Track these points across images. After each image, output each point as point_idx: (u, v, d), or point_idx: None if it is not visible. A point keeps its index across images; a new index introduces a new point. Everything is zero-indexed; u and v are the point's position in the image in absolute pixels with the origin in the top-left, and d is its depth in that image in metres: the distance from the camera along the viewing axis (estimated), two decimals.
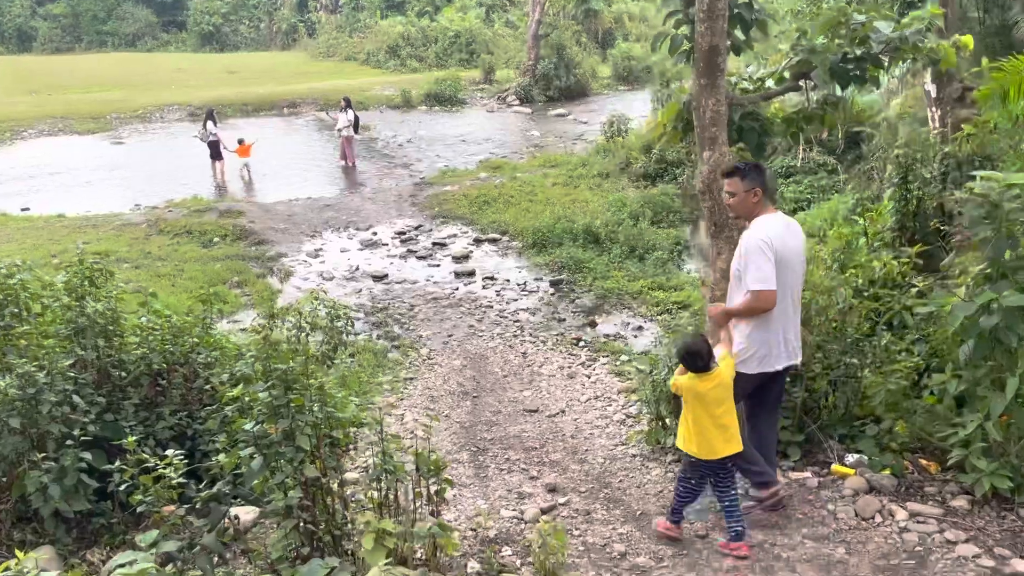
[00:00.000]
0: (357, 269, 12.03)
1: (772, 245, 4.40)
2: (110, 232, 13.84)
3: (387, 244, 13.24)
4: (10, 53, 61.84)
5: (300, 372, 4.15)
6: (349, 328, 8.28)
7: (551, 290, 10.88)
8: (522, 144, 23.23)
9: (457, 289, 11.03)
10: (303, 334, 7.94)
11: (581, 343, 9.08)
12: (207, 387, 5.56)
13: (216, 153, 19.56)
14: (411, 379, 8.21)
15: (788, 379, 4.98)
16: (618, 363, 8.40)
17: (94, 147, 24.76)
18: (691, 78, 4.85)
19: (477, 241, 13.18)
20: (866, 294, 5.65)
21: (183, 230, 13.67)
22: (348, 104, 20.32)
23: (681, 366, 4.49)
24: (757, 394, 4.76)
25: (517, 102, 31.62)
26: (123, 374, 5.43)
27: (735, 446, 4.42)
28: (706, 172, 4.91)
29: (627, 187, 15.60)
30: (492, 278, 11.44)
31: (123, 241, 13.22)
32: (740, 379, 4.53)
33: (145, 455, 3.83)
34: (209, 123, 19.62)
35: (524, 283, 11.18)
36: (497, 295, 10.77)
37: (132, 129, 27.75)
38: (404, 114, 30.08)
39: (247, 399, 4.04)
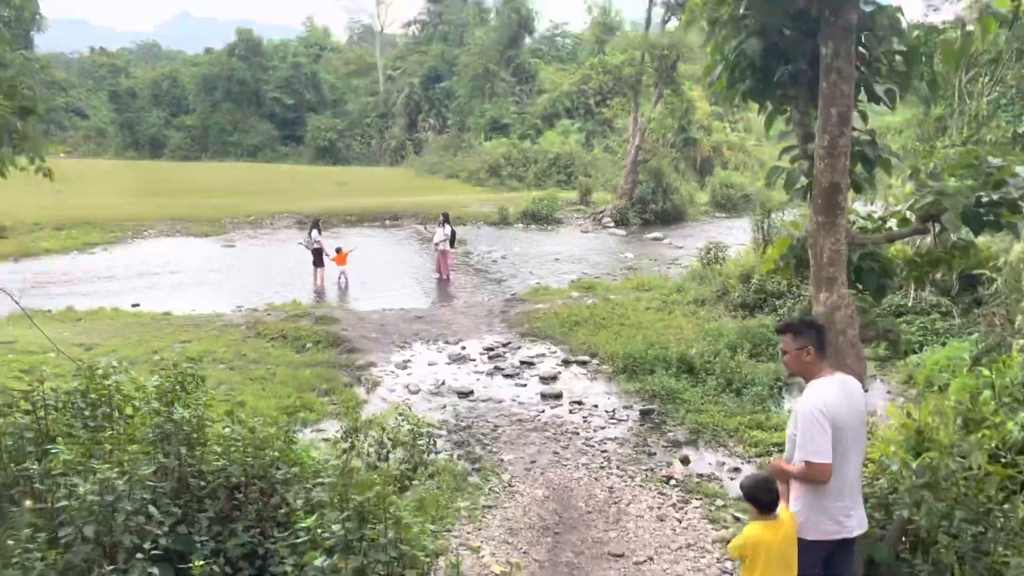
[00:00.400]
0: (443, 384, 11.90)
1: (828, 413, 4.26)
2: (211, 332, 14.23)
3: (475, 360, 13.12)
4: (143, 158, 67.14)
5: (375, 504, 3.91)
6: (431, 447, 8.06)
7: (641, 420, 10.43)
8: (615, 265, 23.17)
9: (543, 411, 10.71)
10: (384, 451, 7.75)
11: (672, 481, 8.54)
12: (283, 506, 5.37)
13: (318, 260, 20.27)
14: (490, 507, 7.84)
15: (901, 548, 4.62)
16: (713, 508, 7.83)
17: (206, 249, 26.08)
18: (809, 215, 4.59)
19: (566, 362, 12.91)
20: (1003, 460, 5.06)
21: (279, 334, 13.94)
22: (446, 219, 20.83)
23: (751, 513, 4.41)
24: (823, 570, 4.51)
25: (612, 224, 31.86)
26: (202, 484, 5.31)
27: None
28: (822, 315, 4.57)
29: (724, 316, 15.17)
30: (579, 402, 11.08)
31: (222, 342, 13.55)
32: (801, 549, 4.38)
33: None
34: (314, 231, 20.41)
35: (613, 410, 10.77)
36: (584, 421, 10.38)
37: (243, 233, 29.19)
38: (500, 231, 30.67)
39: (319, 529, 3.81)
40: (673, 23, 32.05)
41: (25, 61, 8.43)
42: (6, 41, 8.57)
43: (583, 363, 12.87)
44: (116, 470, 4.66)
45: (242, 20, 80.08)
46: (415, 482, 7.52)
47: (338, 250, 20.62)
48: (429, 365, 12.86)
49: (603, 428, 10.16)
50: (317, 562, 3.72)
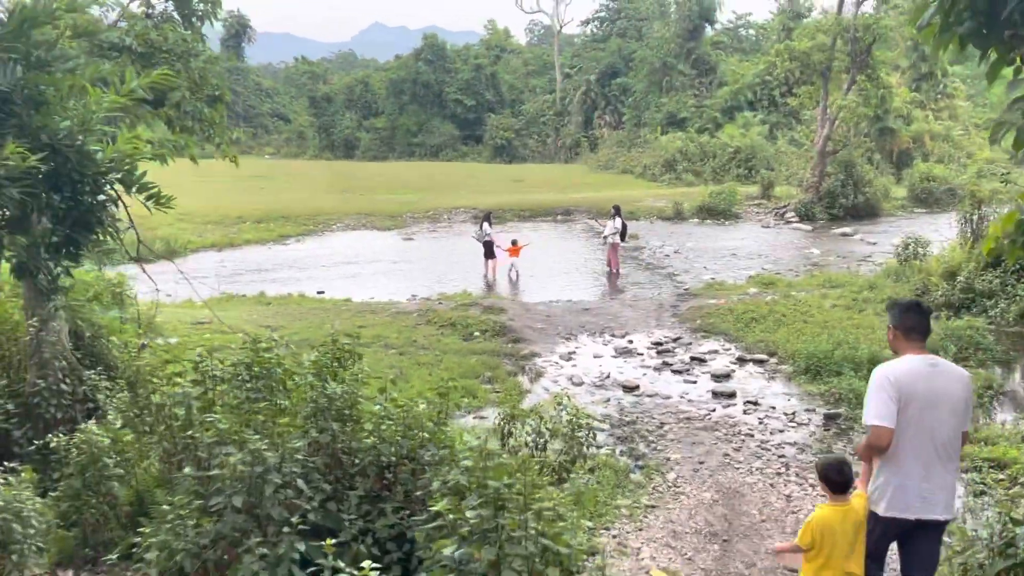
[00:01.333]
0: (608, 377, 11.48)
1: (896, 383, 4.29)
2: (385, 318, 14.63)
3: (642, 354, 12.60)
4: (337, 159, 71.43)
5: (518, 491, 3.60)
6: (591, 440, 7.70)
7: (825, 425, 9.51)
8: (799, 262, 21.72)
9: (714, 410, 10.03)
10: (542, 440, 7.48)
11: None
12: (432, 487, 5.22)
13: (489, 252, 20.43)
14: (653, 507, 7.35)
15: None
16: None
17: (387, 241, 27.15)
18: None
19: (740, 360, 12.10)
20: None
21: (448, 322, 14.09)
22: (617, 212, 20.34)
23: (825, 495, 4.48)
24: (901, 554, 4.52)
25: (796, 219, 30.01)
26: (354, 461, 5.26)
27: None
28: None
29: None
30: (755, 403, 10.29)
31: (394, 328, 13.87)
32: (872, 523, 4.40)
33: (341, 565, 3.45)
34: (485, 224, 20.59)
35: (793, 413, 9.90)
36: (760, 423, 9.61)
37: (422, 227, 30.16)
38: (675, 225, 29.75)
39: (452, 516, 3.55)
40: (869, 4, 29.67)
41: (212, 54, 8.91)
42: (198, 32, 9.09)
43: (760, 362, 12.01)
44: (267, 442, 4.66)
45: (431, 27, 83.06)
46: (572, 475, 7.19)
47: (513, 243, 20.68)
48: (594, 357, 12.50)
49: (781, 431, 9.36)
50: (447, 550, 3.47)
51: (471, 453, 4.13)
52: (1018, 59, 4.05)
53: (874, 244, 24.17)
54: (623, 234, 20.52)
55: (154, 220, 28.20)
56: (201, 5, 9.21)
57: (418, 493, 5.00)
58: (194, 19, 9.36)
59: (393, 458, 5.26)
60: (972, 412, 4.62)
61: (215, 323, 13.58)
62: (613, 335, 13.70)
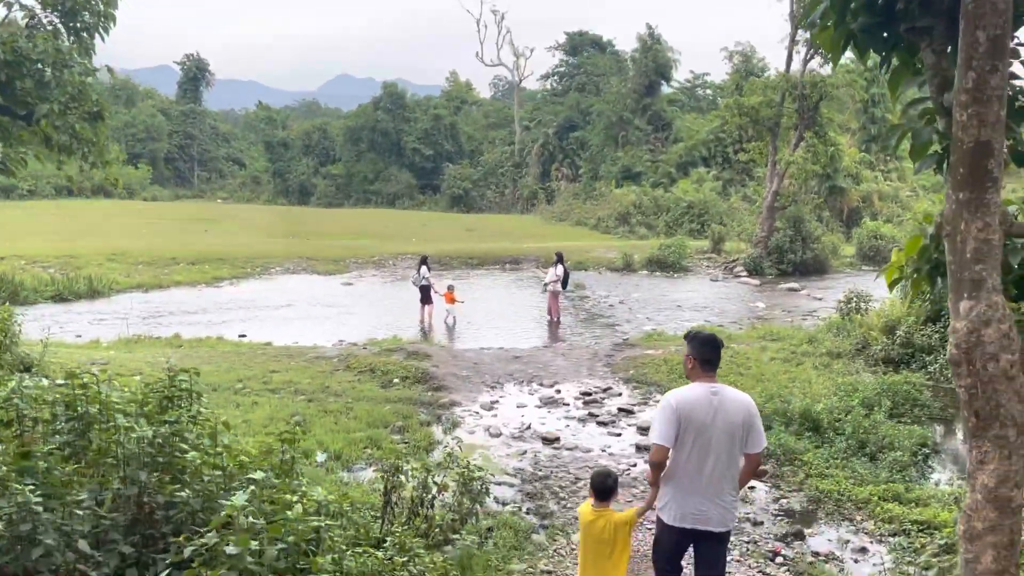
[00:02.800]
0: (528, 428, 10.74)
1: (678, 407, 4.75)
2: (302, 363, 13.77)
3: (568, 404, 11.89)
4: (291, 204, 70.60)
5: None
6: (484, 496, 6.92)
7: (751, 483, 8.85)
8: (743, 315, 21.36)
9: (635, 465, 9.33)
10: (428, 496, 6.69)
11: (779, 558, 6.98)
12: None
13: (426, 297, 19.74)
14: (549, 572, 6.57)
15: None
16: None
17: (325, 286, 26.30)
18: (945, 194, 3.24)
19: None
20: None
21: (367, 368, 13.28)
22: (560, 259, 19.84)
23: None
24: (673, 559, 5.05)
25: (745, 273, 29.86)
26: (168, 518, 4.43)
27: None
28: (963, 332, 3.16)
29: (862, 371, 13.26)
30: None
31: (309, 373, 13.02)
32: (661, 531, 5.03)
33: None
34: (423, 268, 19.93)
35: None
36: None
37: (365, 273, 29.39)
38: (623, 277, 29.39)
39: None
40: (816, 62, 30.10)
41: (90, 67, 8.21)
42: (86, 46, 8.40)
43: None
44: (38, 492, 3.84)
45: (399, 80, 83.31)
46: (460, 536, 6.40)
47: (449, 288, 20.02)
48: (517, 407, 11.76)
49: None
50: None
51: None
52: (918, 58, 3.53)
53: (820, 299, 23.96)
54: (564, 281, 20.00)
55: (81, 260, 27.05)
56: (90, 18, 8.53)
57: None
58: (83, 32, 8.67)
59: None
60: (757, 434, 4.84)
61: (112, 365, 12.60)
62: (541, 384, 12.99)
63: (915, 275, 3.85)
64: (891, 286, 3.95)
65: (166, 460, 4.50)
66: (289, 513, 3.96)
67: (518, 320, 20.40)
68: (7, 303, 19.99)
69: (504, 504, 8.13)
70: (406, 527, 6.55)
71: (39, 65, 7.50)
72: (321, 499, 4.87)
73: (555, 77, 74.44)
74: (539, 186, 62.22)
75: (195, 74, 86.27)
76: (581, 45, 71.32)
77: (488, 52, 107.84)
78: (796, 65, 30.92)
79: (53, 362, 12.11)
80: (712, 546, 4.92)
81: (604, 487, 5.20)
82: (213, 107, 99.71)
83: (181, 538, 3.73)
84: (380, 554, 5.37)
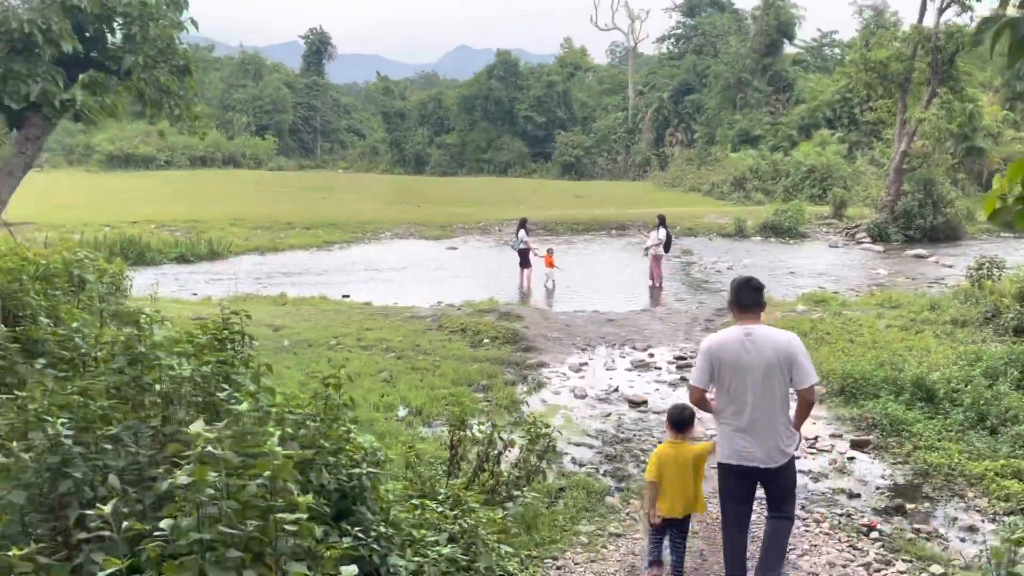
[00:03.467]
0: (615, 391, 10.39)
1: (708, 351, 4.94)
2: (397, 322, 13.89)
3: (660, 368, 11.45)
4: (407, 173, 71.89)
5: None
6: (551, 455, 6.67)
7: (850, 452, 8.22)
8: (862, 282, 20.10)
9: None
10: (494, 452, 6.50)
11: (873, 533, 6.41)
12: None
13: (525, 260, 19.57)
14: (618, 536, 6.28)
15: None
16: (924, 575, 5.66)
17: (431, 250, 26.58)
18: None
19: None
20: None
21: (459, 328, 13.24)
22: (661, 222, 19.20)
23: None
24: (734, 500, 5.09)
25: (868, 239, 28.13)
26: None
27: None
28: None
29: (989, 340, 12.11)
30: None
31: (402, 332, 13.10)
32: (718, 472, 5.10)
33: None
34: (521, 231, 19.76)
35: (815, 438, 8.64)
36: None
37: (471, 238, 29.52)
38: (734, 243, 28.27)
39: None
40: (952, 11, 27.70)
41: (176, 19, 8.31)
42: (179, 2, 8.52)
43: None
44: (70, 426, 3.84)
45: (517, 49, 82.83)
46: (521, 494, 6.18)
47: (549, 251, 19.77)
48: (607, 370, 11.42)
49: (797, 458, 8.10)
50: None
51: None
52: None
53: (950, 267, 22.25)
54: (667, 245, 19.36)
55: (206, 224, 28.41)
56: None
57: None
58: None
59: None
60: (802, 369, 4.82)
61: (211, 319, 13.05)
62: (634, 347, 12.58)
63: (1020, 203, 3.27)
64: (991, 218, 3.37)
65: (206, 400, 4.46)
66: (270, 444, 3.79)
67: (619, 285, 19.92)
68: (128, 263, 21.19)
69: (581, 465, 7.86)
70: (472, 482, 6.41)
71: (126, 19, 7.68)
72: (369, 446, 4.75)
73: (671, 40, 72.12)
74: (652, 152, 60.75)
75: (318, 47, 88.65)
76: (699, 5, 68.66)
77: (603, 16, 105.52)
78: (930, 18, 28.55)
79: (161, 317, 12.66)
80: (770, 483, 5.03)
81: (681, 419, 5.41)
82: (337, 81, 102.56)
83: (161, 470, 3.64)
84: (434, 505, 5.24)
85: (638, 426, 9.11)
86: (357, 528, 4.27)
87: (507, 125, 73.15)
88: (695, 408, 5.37)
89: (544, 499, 6.64)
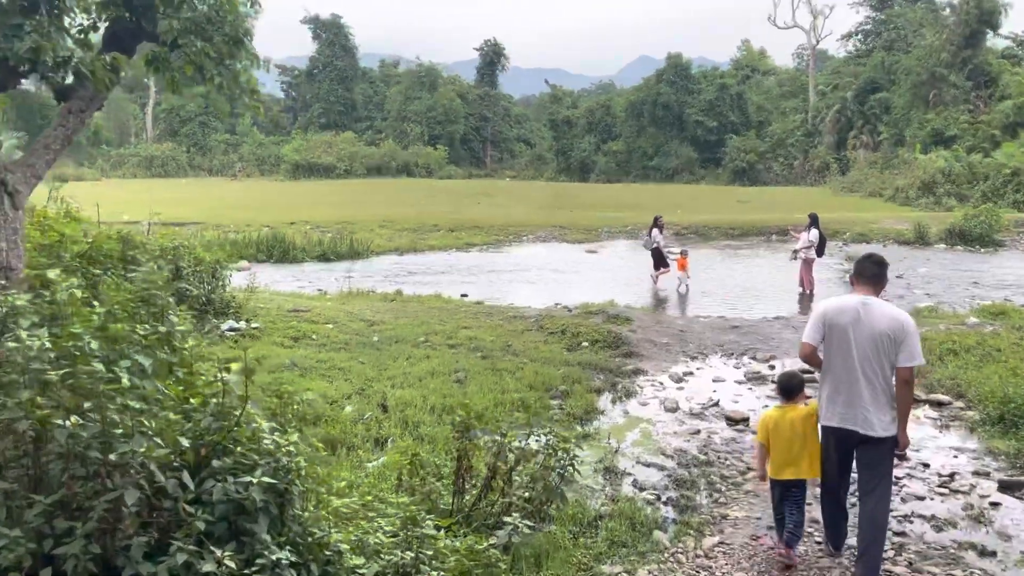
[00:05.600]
0: (715, 404, 8.95)
1: (823, 314, 5.10)
2: (498, 321, 13.05)
3: None
4: (572, 181, 71.35)
5: None
6: (570, 472, 5.49)
7: (995, 496, 6.39)
8: None
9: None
10: (503, 465, 5.45)
11: None
12: None
13: (658, 262, 18.20)
14: None
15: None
16: None
17: (570, 253, 25.62)
18: None
19: (916, 400, 8.94)
20: None
21: (559, 329, 12.17)
22: (813, 222, 17.15)
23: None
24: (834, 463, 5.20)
25: None
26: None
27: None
28: None
29: None
30: (902, 456, 7.29)
31: (499, 332, 12.23)
32: (820, 434, 5.27)
33: None
34: (655, 231, 18.41)
35: (951, 475, 6.84)
36: (895, 484, 6.70)
37: (614, 242, 28.29)
38: (914, 250, 25.19)
39: None
40: None
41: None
42: None
43: (938, 404, 8.80)
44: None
45: (698, 58, 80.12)
46: (510, 520, 5.09)
47: (682, 253, 18.25)
48: (713, 381, 9.96)
49: (920, 499, 6.43)
50: None
51: None
52: None
53: None
54: (820, 248, 17.24)
55: (356, 225, 29.00)
56: None
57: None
58: None
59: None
60: (909, 349, 4.86)
61: (311, 313, 12.84)
62: (754, 358, 10.98)
63: None
64: None
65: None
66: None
67: (763, 292, 18.00)
68: (271, 260, 21.74)
69: (641, 489, 6.61)
70: (478, 502, 5.39)
71: None
72: (280, 448, 3.88)
73: (858, 36, 66.89)
74: (832, 156, 56.38)
75: (492, 59, 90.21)
76: None
77: (783, 15, 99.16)
78: None
79: (257, 307, 12.58)
80: (865, 451, 5.04)
81: (789, 386, 5.49)
82: (517, 94, 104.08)
83: None
84: (383, 525, 4.30)
85: (728, 447, 7.67)
86: (241, 556, 3.44)
87: (676, 131, 70.78)
88: (799, 376, 5.63)
89: (569, 529, 5.49)
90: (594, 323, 12.38)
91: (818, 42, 69.81)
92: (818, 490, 5.60)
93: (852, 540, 5.25)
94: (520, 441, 5.57)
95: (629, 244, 27.55)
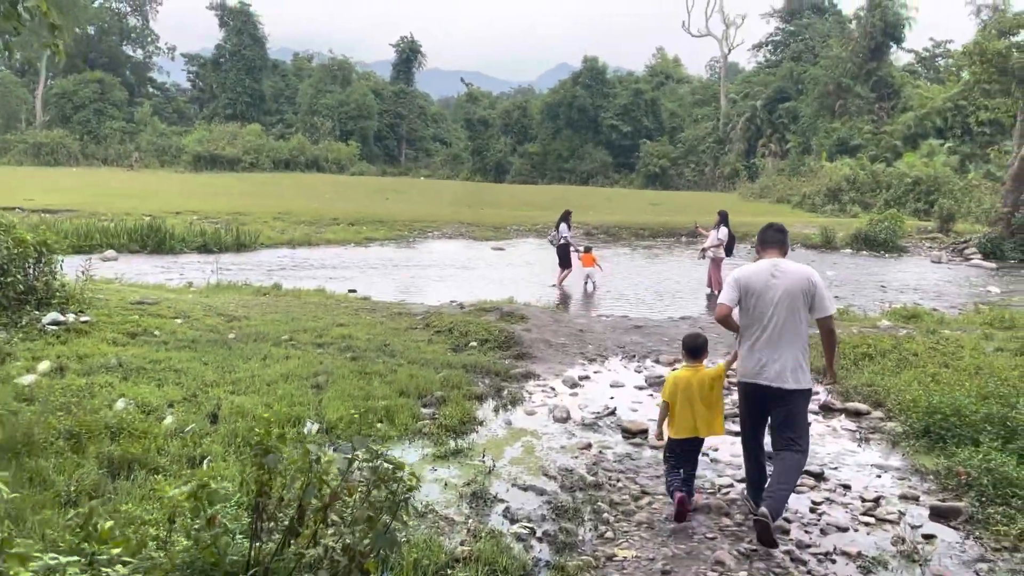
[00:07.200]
0: (611, 414, 7.81)
1: (738, 279, 5.35)
2: (379, 319, 11.66)
3: None
4: (487, 181, 70.20)
5: None
6: (403, 511, 4.16)
7: (928, 526, 5.41)
8: (967, 299, 16.70)
9: (742, 480, 6.15)
10: (311, 501, 4.09)
11: None
12: None
13: (564, 259, 17.12)
14: None
15: None
16: None
17: (473, 250, 24.39)
18: None
19: (825, 409, 8.04)
20: None
21: (447, 327, 10.87)
22: (723, 220, 16.38)
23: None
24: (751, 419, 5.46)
25: (978, 255, 24.37)
26: None
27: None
28: None
29: None
30: (820, 475, 6.29)
31: (378, 330, 10.85)
32: (738, 393, 5.59)
33: None
34: (562, 225, 17.32)
35: (876, 499, 5.86)
36: (812, 511, 5.67)
37: (523, 240, 27.24)
38: (820, 255, 25.01)
39: None
40: None
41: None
42: None
43: (855, 414, 7.89)
44: None
45: (617, 69, 79.41)
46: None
47: (587, 249, 17.23)
48: (611, 387, 8.82)
49: (843, 530, 5.38)
50: None
51: None
52: None
53: None
54: (729, 247, 16.50)
55: (249, 217, 26.99)
56: None
57: None
58: None
59: None
60: (822, 299, 5.17)
61: (160, 306, 11.14)
62: (657, 361, 9.93)
63: None
64: None
65: None
66: None
67: (672, 292, 17.16)
68: (145, 249, 19.71)
69: (514, 520, 5.36)
70: (281, 549, 4.03)
71: None
72: None
73: (768, 47, 68.22)
74: (742, 163, 57.08)
75: (408, 56, 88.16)
76: (800, 10, 64.60)
77: (697, 23, 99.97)
78: None
79: (94, 297, 10.83)
80: (783, 406, 5.18)
81: (695, 345, 5.65)
82: (436, 95, 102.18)
83: None
84: None
85: (622, 465, 6.52)
86: None
87: (591, 134, 70.67)
88: (704, 336, 5.80)
89: None
90: (486, 321, 11.13)
91: (730, 51, 70.86)
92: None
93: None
94: (344, 466, 4.21)
95: (537, 243, 26.50)
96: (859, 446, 7.13)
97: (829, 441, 7.20)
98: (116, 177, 52.46)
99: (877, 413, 7.86)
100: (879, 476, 6.38)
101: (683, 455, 5.51)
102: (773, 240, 5.47)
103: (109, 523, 4.17)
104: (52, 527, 4.61)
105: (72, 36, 71.56)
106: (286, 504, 4.25)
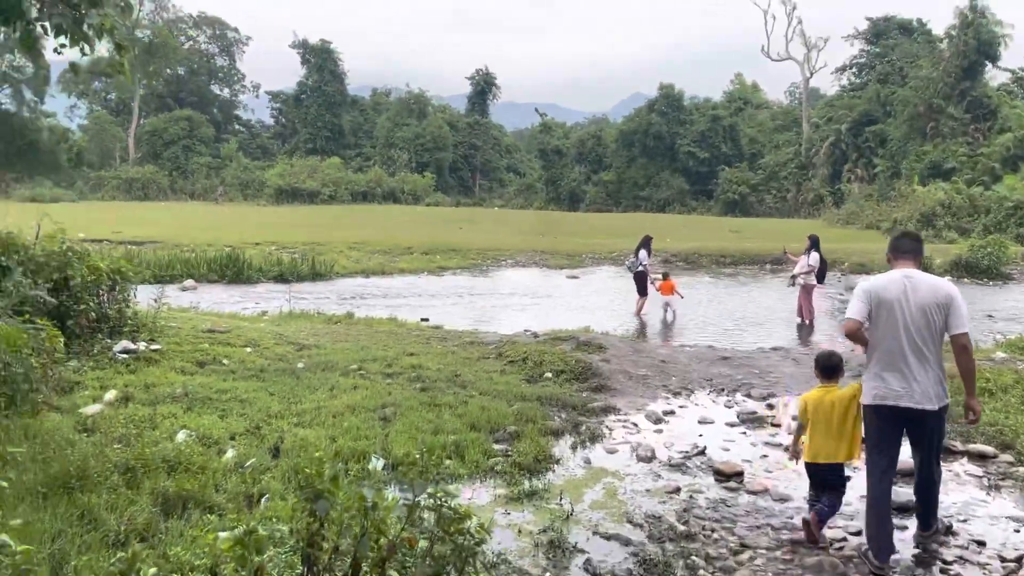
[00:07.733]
0: (701, 453, 7.12)
1: (869, 291, 5.00)
2: (450, 348, 11.24)
3: (780, 425, 8.01)
4: (560, 210, 69.84)
5: None
6: (475, 564, 3.62)
7: None
8: None
9: (858, 534, 5.38)
10: (369, 554, 3.60)
11: None
12: None
13: (642, 287, 16.44)
14: None
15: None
16: None
17: (549, 279, 23.92)
18: None
19: (948, 452, 7.14)
20: None
21: (520, 357, 10.36)
22: (814, 245, 15.45)
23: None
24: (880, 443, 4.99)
25: None
26: None
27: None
28: None
29: None
30: (949, 529, 5.48)
31: (449, 359, 10.42)
32: (864, 413, 5.09)
33: None
34: (641, 252, 16.67)
35: (1019, 559, 5.03)
36: (940, 570, 4.87)
37: (598, 268, 26.65)
38: None
39: None
40: None
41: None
42: None
43: (980, 457, 7.00)
44: None
45: (693, 96, 78.15)
46: None
47: (664, 276, 16.53)
48: (699, 423, 8.12)
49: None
50: None
51: None
52: None
53: None
54: (821, 274, 15.53)
55: (325, 247, 27.22)
56: None
57: None
58: None
59: None
60: (957, 316, 4.82)
61: (231, 334, 10.98)
62: (748, 395, 9.17)
63: None
64: None
65: None
66: None
67: (759, 321, 16.26)
68: (224, 279, 19.96)
69: (594, 575, 4.76)
70: None
71: None
72: None
73: (852, 69, 66.13)
74: (827, 189, 55.14)
75: (483, 88, 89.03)
76: (886, 31, 62.50)
77: (776, 47, 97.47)
78: None
79: (166, 326, 10.74)
80: (918, 426, 4.93)
81: (829, 364, 5.41)
82: (511, 127, 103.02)
83: None
84: None
85: (716, 512, 5.83)
86: None
87: (667, 161, 69.62)
88: (838, 354, 5.53)
89: None
90: (562, 351, 10.56)
91: (812, 74, 69.02)
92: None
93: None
94: (404, 513, 3.71)
95: (614, 271, 25.83)
96: (988, 495, 6.26)
97: (953, 488, 6.35)
98: (201, 210, 54.18)
99: (1006, 456, 6.96)
100: (1017, 531, 5.52)
101: (820, 482, 5.30)
102: (908, 249, 5.15)
103: (153, 570, 3.81)
104: (95, 572, 4.25)
105: (163, 77, 74.81)
106: (342, 553, 3.78)
